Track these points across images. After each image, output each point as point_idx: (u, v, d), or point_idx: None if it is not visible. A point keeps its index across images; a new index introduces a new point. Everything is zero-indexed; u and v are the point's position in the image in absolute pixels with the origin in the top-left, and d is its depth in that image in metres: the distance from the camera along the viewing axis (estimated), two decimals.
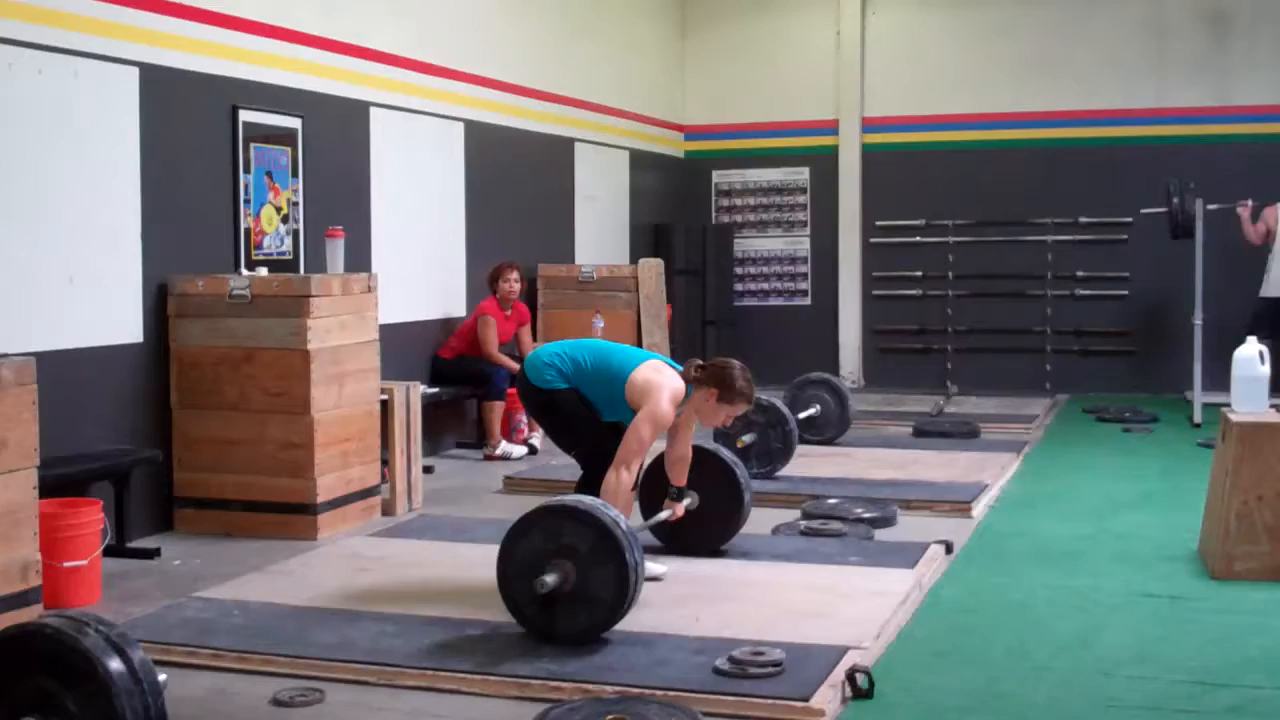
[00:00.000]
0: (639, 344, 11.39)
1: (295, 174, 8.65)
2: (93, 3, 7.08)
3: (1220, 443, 6.70)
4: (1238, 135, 13.38)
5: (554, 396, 6.13)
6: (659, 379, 5.94)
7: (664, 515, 6.38)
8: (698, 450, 6.59)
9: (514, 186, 11.43)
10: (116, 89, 7.25)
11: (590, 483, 6.02)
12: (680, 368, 6.09)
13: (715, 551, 6.73)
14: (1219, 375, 11.13)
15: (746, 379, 6.02)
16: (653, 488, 6.57)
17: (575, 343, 6.34)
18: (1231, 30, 13.59)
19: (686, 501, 6.43)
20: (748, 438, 8.66)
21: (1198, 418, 11.30)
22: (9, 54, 6.57)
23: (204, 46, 7.86)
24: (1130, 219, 13.15)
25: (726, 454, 6.90)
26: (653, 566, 6.18)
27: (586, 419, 6.13)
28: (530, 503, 6.82)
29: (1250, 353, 7.49)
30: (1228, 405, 7.09)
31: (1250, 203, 11.94)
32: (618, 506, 5.54)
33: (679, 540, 6.63)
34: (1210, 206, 11.58)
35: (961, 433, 10.81)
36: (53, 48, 6.82)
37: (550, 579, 5.12)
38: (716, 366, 6.03)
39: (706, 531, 6.71)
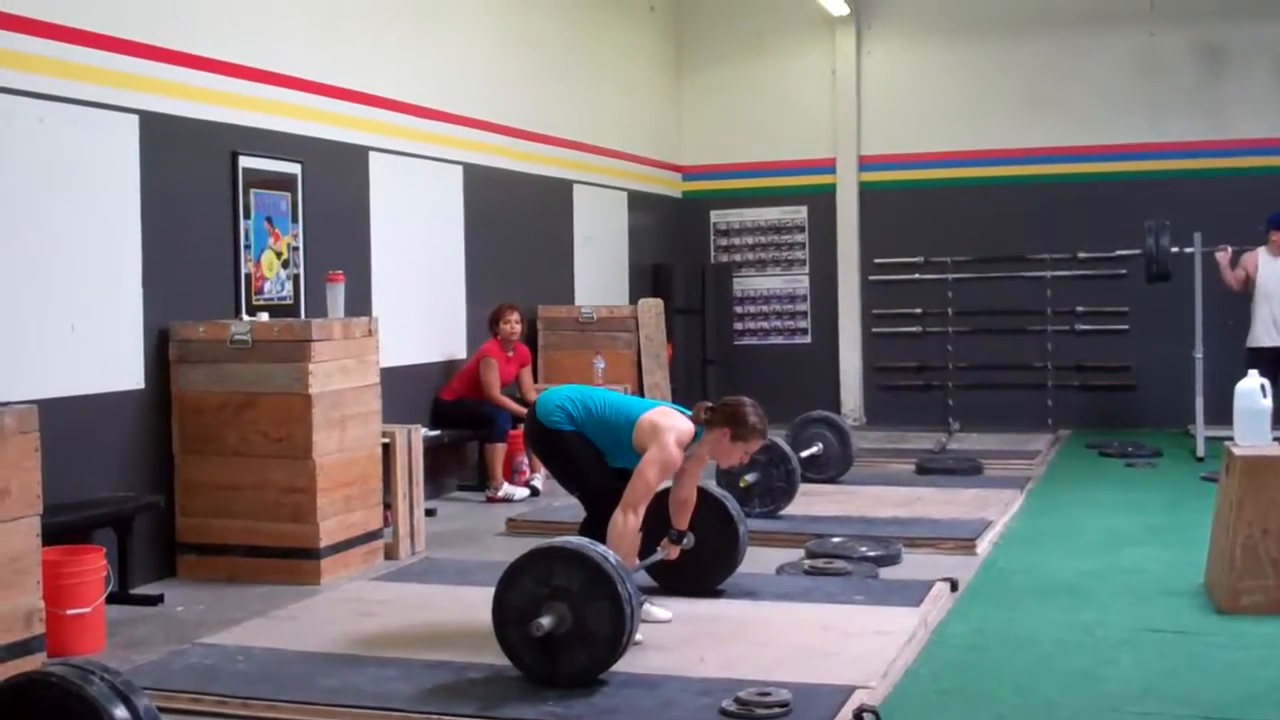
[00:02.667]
0: (640, 383, 11.42)
1: (295, 219, 8.67)
2: (93, 51, 7.12)
3: (1224, 476, 6.69)
4: (1235, 169, 13.42)
5: (561, 438, 6.12)
6: (666, 422, 5.94)
7: (659, 556, 6.34)
8: (710, 498, 6.64)
9: (513, 229, 11.46)
10: (117, 136, 7.28)
11: (594, 525, 6.00)
12: (688, 412, 6.07)
13: (717, 592, 6.70)
14: (1221, 409, 11.21)
15: (759, 414, 6.02)
16: (651, 528, 6.53)
17: (586, 389, 6.35)
18: (1226, 64, 13.65)
19: (683, 543, 6.39)
20: (750, 477, 8.65)
21: (1201, 451, 11.29)
22: (9, 103, 6.60)
23: (203, 94, 7.89)
24: (1129, 252, 13.13)
25: (717, 490, 6.88)
26: (657, 612, 6.17)
27: (592, 460, 6.12)
28: (533, 545, 6.82)
29: (1252, 386, 7.48)
30: (1230, 439, 7.08)
31: (1229, 249, 11.83)
32: (623, 549, 5.54)
33: (677, 581, 6.58)
34: (1187, 250, 11.52)
35: (964, 469, 10.79)
36: (53, 96, 6.86)
37: (545, 621, 5.09)
38: (728, 406, 6.02)
39: (704, 570, 6.67)
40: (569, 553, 5.21)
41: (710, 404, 6.07)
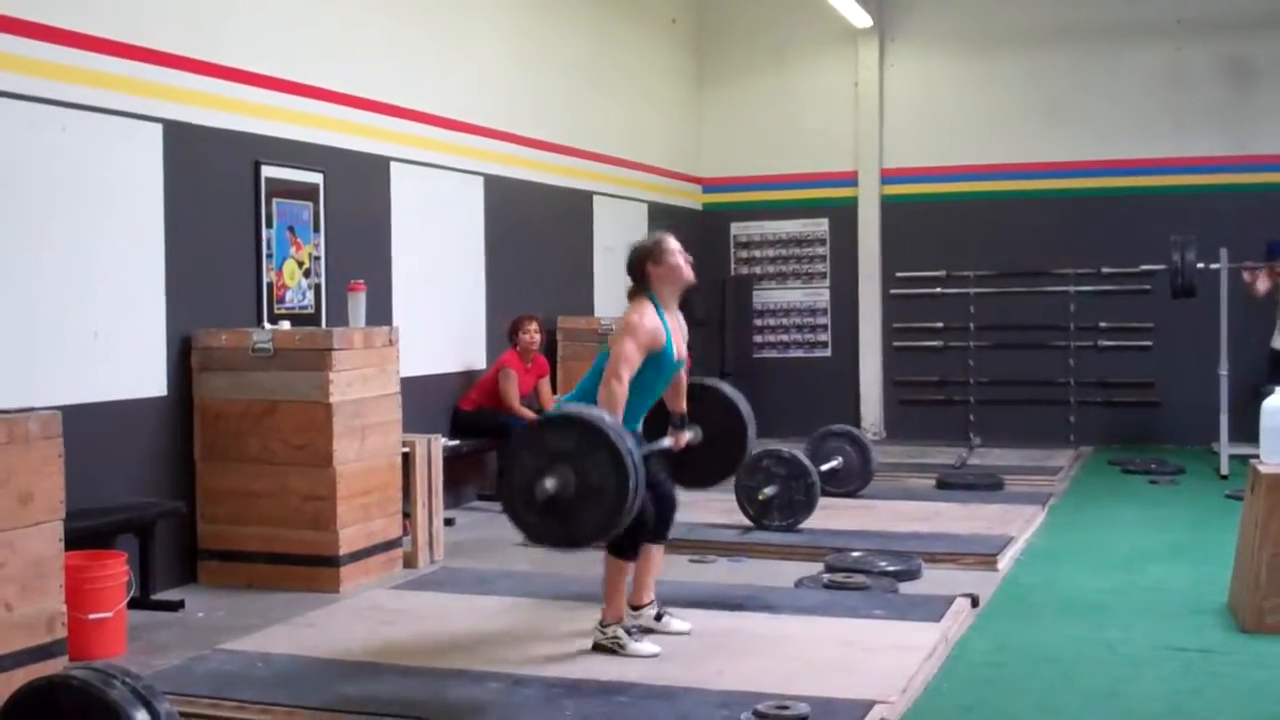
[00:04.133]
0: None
1: (317, 228, 8.69)
2: (117, 60, 7.15)
3: (1249, 494, 6.65)
4: (1261, 184, 13.34)
5: None
6: (618, 338, 5.91)
7: (666, 443, 6.26)
8: (698, 386, 6.65)
9: (533, 240, 11.46)
10: (140, 145, 7.31)
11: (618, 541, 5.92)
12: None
13: (736, 605, 6.69)
14: (1246, 426, 11.16)
15: (651, 238, 6.22)
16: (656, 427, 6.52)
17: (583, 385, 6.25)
18: (1253, 79, 13.58)
19: (689, 435, 6.36)
20: (769, 490, 8.64)
21: (1225, 469, 11.23)
22: (34, 111, 6.63)
23: (227, 103, 7.92)
24: (1154, 267, 13.07)
25: (728, 388, 6.87)
26: (675, 623, 6.20)
27: None
28: (551, 555, 6.83)
29: (1279, 403, 7.43)
30: (1255, 456, 7.04)
31: (1259, 270, 11.87)
32: (616, 411, 5.62)
33: (684, 474, 6.51)
34: (1213, 266, 11.47)
35: (985, 485, 10.75)
36: (77, 105, 6.89)
37: (549, 483, 5.11)
38: (631, 257, 6.20)
39: (709, 465, 6.65)
40: (559, 419, 5.34)
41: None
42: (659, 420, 6.37)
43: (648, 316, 5.89)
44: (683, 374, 6.31)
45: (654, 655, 5.71)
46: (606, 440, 5.14)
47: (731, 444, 6.71)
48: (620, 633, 5.77)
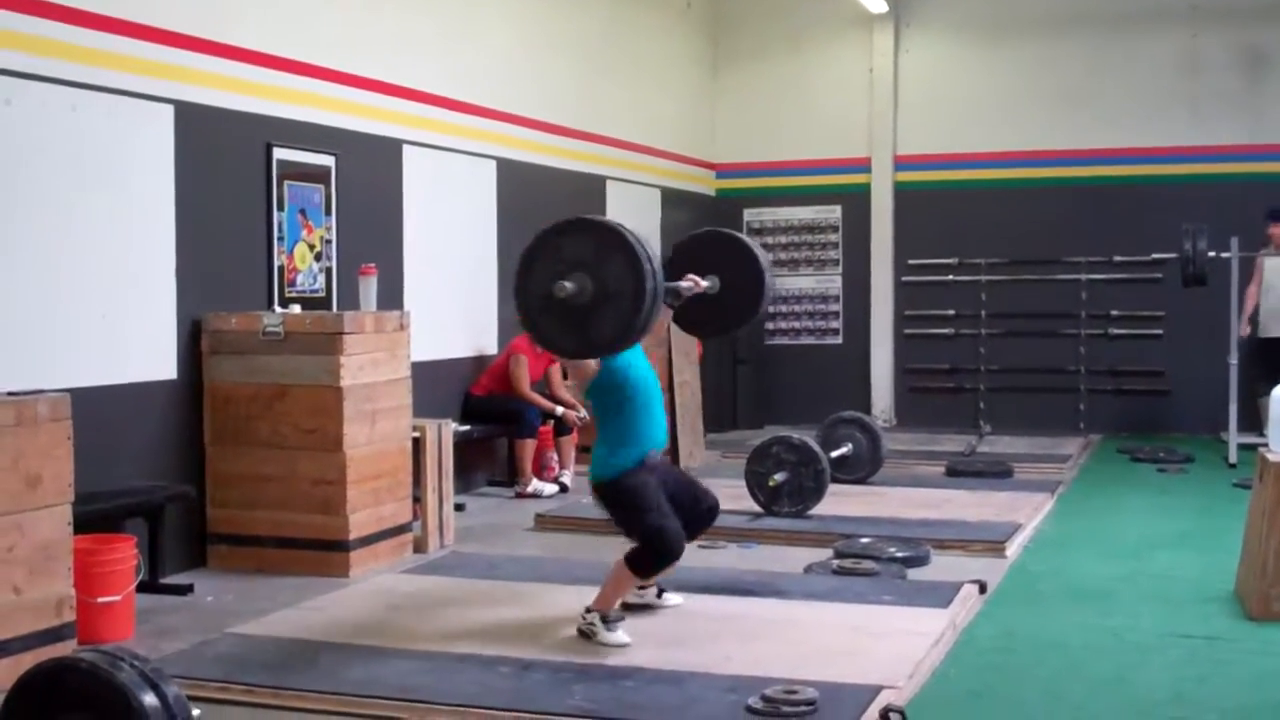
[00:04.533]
0: (670, 380, 11.37)
1: (329, 211, 8.70)
2: (129, 41, 7.15)
3: (1258, 483, 6.64)
4: (1273, 174, 13.29)
5: (614, 484, 5.99)
6: None
7: (684, 284, 6.39)
8: (725, 235, 6.91)
9: (546, 224, 11.42)
10: (151, 127, 7.31)
11: (643, 553, 5.88)
12: None
13: (746, 590, 6.70)
14: (1255, 415, 11.14)
15: None
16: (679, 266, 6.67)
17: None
18: (1267, 68, 13.53)
19: (706, 283, 6.48)
20: (779, 476, 8.65)
21: (1233, 458, 11.21)
22: (44, 91, 6.64)
23: (239, 85, 7.92)
24: (1165, 256, 13.03)
25: (751, 243, 6.96)
26: (671, 598, 6.32)
27: (643, 500, 5.91)
28: (561, 540, 6.86)
29: None
30: (1264, 445, 7.03)
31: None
32: None
33: (699, 320, 6.75)
34: (1224, 255, 11.42)
35: (995, 472, 10.75)
36: (89, 85, 6.89)
37: (570, 284, 5.20)
38: None
39: (720, 316, 6.76)
40: (571, 224, 5.40)
41: None
42: (684, 267, 6.53)
43: None
44: None
45: (625, 645, 5.70)
46: (624, 243, 5.23)
47: (744, 300, 6.78)
48: (597, 620, 5.78)
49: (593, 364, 5.93)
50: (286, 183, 8.31)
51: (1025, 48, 14.32)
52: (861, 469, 10.19)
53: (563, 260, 5.30)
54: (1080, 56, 14.11)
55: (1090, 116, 14.03)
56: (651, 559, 5.83)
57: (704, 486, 6.41)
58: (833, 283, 15.12)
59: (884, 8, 14.33)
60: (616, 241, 5.28)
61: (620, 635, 5.74)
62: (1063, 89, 14.14)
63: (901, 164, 14.72)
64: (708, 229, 7.17)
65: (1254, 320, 12.23)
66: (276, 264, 8.22)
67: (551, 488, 10.16)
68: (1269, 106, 13.52)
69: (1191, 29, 13.73)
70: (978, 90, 14.47)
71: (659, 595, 6.32)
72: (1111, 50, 14.00)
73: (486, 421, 10.07)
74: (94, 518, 6.33)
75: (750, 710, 4.75)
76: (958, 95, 14.53)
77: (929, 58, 14.69)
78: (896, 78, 14.72)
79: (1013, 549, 7.94)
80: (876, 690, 4.97)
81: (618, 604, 5.91)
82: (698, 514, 6.19)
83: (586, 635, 5.76)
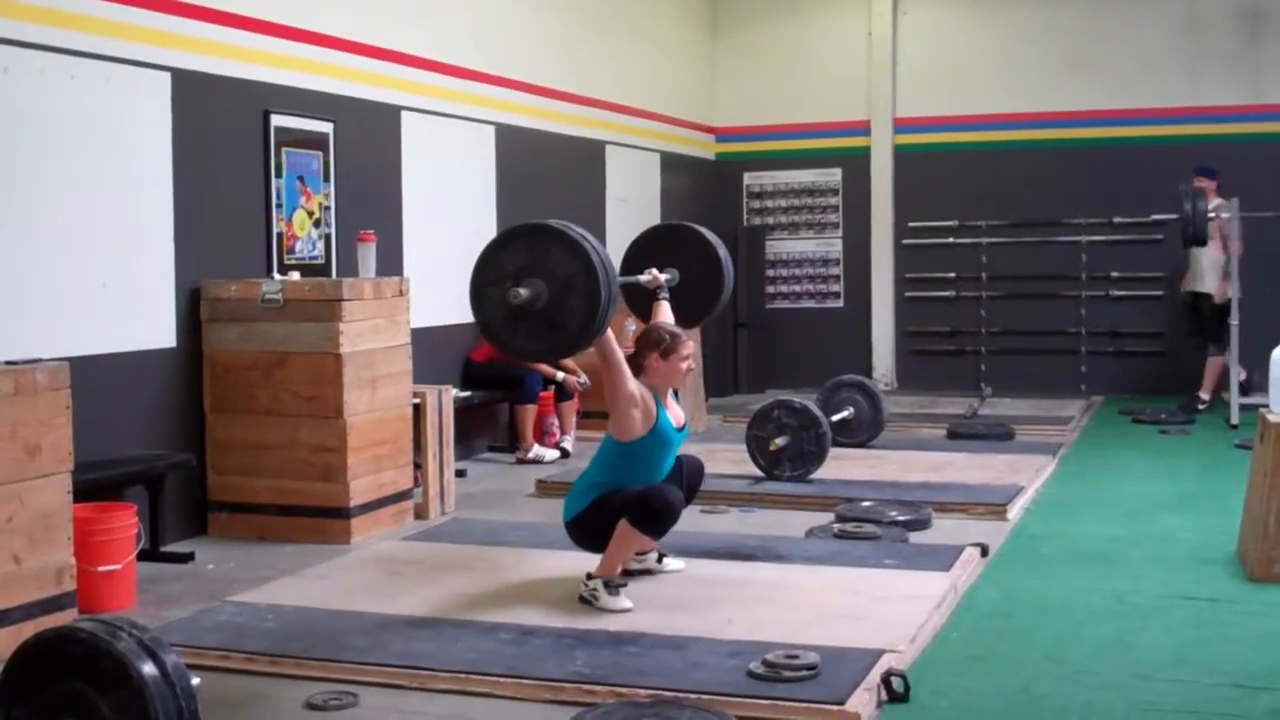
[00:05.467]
0: None
1: (327, 178, 8.67)
2: (125, 9, 7.11)
3: (1259, 444, 6.63)
4: (1273, 134, 13.27)
5: (587, 517, 5.98)
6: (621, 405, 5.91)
7: (642, 278, 6.54)
8: (683, 227, 7.04)
9: (545, 189, 11.42)
10: (149, 94, 7.28)
11: (641, 511, 5.83)
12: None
13: (748, 555, 6.71)
14: (1257, 376, 11.13)
15: (665, 328, 6.11)
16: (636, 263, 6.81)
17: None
18: (1266, 28, 13.48)
19: (666, 277, 6.60)
20: (780, 441, 8.64)
21: (1235, 419, 11.21)
22: (42, 59, 6.60)
23: (236, 51, 7.88)
24: (1166, 217, 13.00)
25: (710, 235, 7.01)
26: (672, 563, 6.34)
27: (612, 505, 5.89)
28: (562, 506, 6.81)
29: None
30: (1265, 406, 7.01)
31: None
32: None
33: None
34: (1225, 215, 11.44)
35: (996, 435, 10.75)
36: (85, 53, 6.85)
37: (524, 292, 5.26)
38: (640, 338, 6.09)
39: (689, 304, 6.81)
40: (570, 240, 5.37)
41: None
42: (641, 264, 6.69)
43: (639, 385, 5.92)
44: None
45: (626, 610, 5.69)
46: (553, 234, 5.35)
47: (706, 293, 6.89)
48: (599, 586, 5.77)
49: (639, 421, 5.86)
50: (284, 149, 8.27)
51: (1023, 9, 14.27)
52: (863, 432, 10.18)
53: (507, 275, 5.35)
54: (1079, 18, 14.06)
55: (1089, 78, 13.99)
56: (651, 515, 5.78)
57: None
58: (833, 246, 15.10)
59: None
60: (547, 234, 5.37)
61: (622, 601, 5.74)
62: (1061, 51, 14.09)
63: (901, 127, 14.67)
64: (660, 224, 7.28)
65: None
66: (275, 231, 8.20)
67: (553, 453, 10.16)
68: (1268, 67, 13.48)
69: None
70: (976, 53, 14.42)
71: (659, 560, 6.32)
72: (1110, 11, 13.95)
73: (487, 387, 10.06)
74: (94, 486, 6.34)
75: (752, 675, 4.75)
76: (956, 58, 14.48)
77: (927, 20, 14.63)
78: (895, 40, 14.66)
79: (1014, 511, 7.94)
80: (878, 654, 4.97)
81: (619, 570, 5.90)
82: (684, 471, 6.20)
83: (588, 601, 5.76)
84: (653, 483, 5.92)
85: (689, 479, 6.26)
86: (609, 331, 5.61)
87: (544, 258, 5.34)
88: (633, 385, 5.85)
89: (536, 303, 5.31)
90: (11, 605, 5.35)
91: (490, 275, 5.45)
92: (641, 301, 6.75)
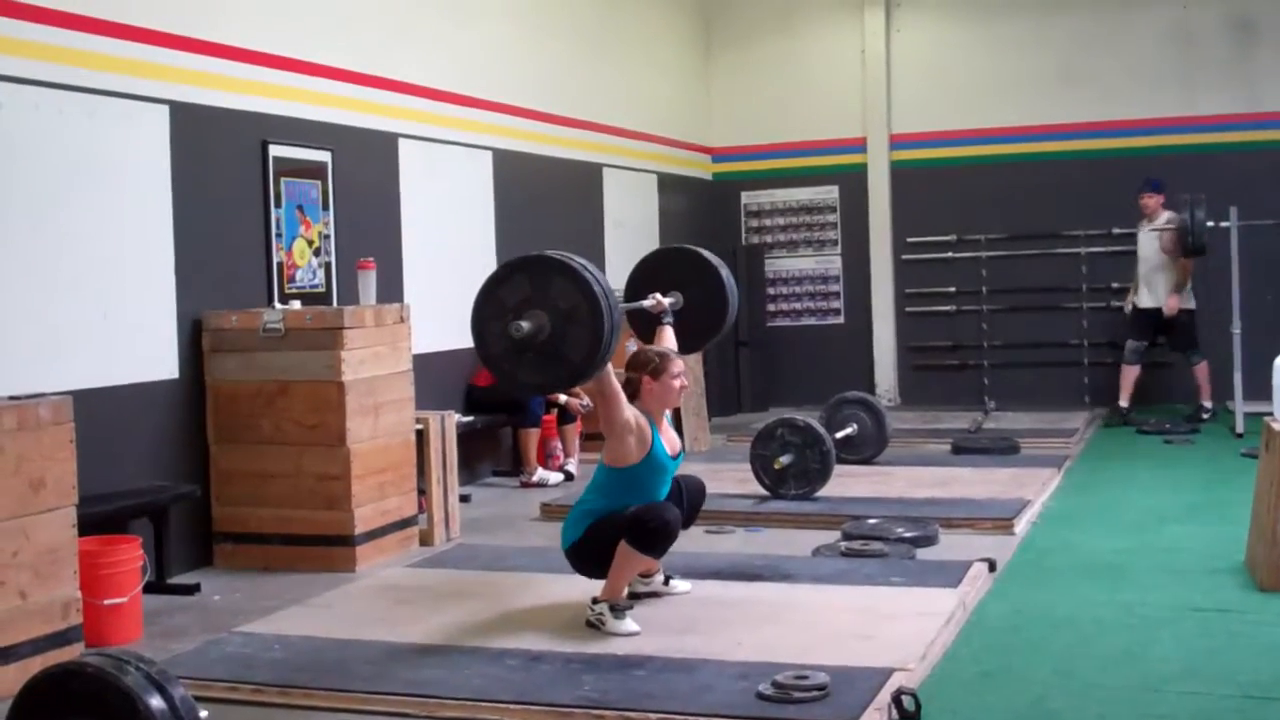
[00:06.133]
0: None
1: (326, 207, 8.67)
2: (122, 43, 7.12)
3: (1264, 453, 6.62)
4: (1270, 142, 13.29)
5: (582, 542, 5.95)
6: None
7: (646, 303, 6.51)
8: (687, 249, 7.04)
9: (543, 213, 11.43)
10: (147, 127, 7.29)
11: (640, 531, 5.82)
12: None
13: (754, 575, 6.69)
14: (1260, 384, 11.13)
15: (651, 350, 6.11)
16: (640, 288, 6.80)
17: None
18: (1258, 37, 13.52)
19: (670, 301, 6.59)
20: (785, 459, 8.63)
21: (1240, 428, 11.20)
22: (39, 95, 6.62)
23: (233, 83, 7.89)
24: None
25: (714, 259, 6.99)
26: (679, 584, 6.31)
27: (611, 529, 5.86)
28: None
29: None
30: (1269, 414, 7.01)
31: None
32: None
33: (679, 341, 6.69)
34: (1223, 224, 11.44)
35: (1001, 448, 10.73)
36: (84, 88, 6.87)
37: (526, 325, 5.24)
38: (631, 360, 6.07)
39: (693, 328, 6.79)
40: (573, 271, 5.38)
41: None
42: (645, 288, 6.68)
43: (635, 411, 5.88)
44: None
45: (633, 634, 5.67)
46: (555, 265, 5.36)
47: (711, 316, 6.87)
48: (605, 610, 5.76)
49: (634, 447, 5.83)
50: (283, 179, 8.28)
51: (1016, 24, 14.30)
52: (867, 449, 10.17)
53: (508, 310, 5.34)
54: (1071, 31, 14.10)
55: (1083, 90, 14.01)
56: (648, 535, 5.77)
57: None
58: (832, 263, 15.10)
59: None
60: (547, 265, 5.37)
61: (629, 624, 5.72)
62: (1055, 64, 14.12)
63: (897, 143, 14.69)
64: (663, 247, 7.27)
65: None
66: (275, 260, 8.20)
67: (556, 476, 10.15)
68: (1261, 75, 13.51)
69: (1182, 1, 13.70)
70: (970, 67, 14.45)
71: (666, 582, 6.30)
72: (1102, 24, 13.99)
73: (490, 412, 10.06)
74: (99, 519, 6.32)
75: (761, 697, 4.73)
76: (951, 73, 14.51)
77: (920, 36, 14.66)
78: (889, 57, 14.69)
79: (1021, 525, 7.93)
80: (888, 673, 4.95)
81: (625, 592, 5.89)
82: (684, 491, 6.16)
83: (595, 626, 5.74)
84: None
85: (690, 499, 6.23)
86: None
87: (546, 290, 5.33)
88: (628, 413, 5.83)
89: (539, 335, 5.28)
90: (18, 641, 5.33)
91: (491, 309, 5.44)
92: (646, 326, 6.74)
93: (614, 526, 5.81)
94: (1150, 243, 12.31)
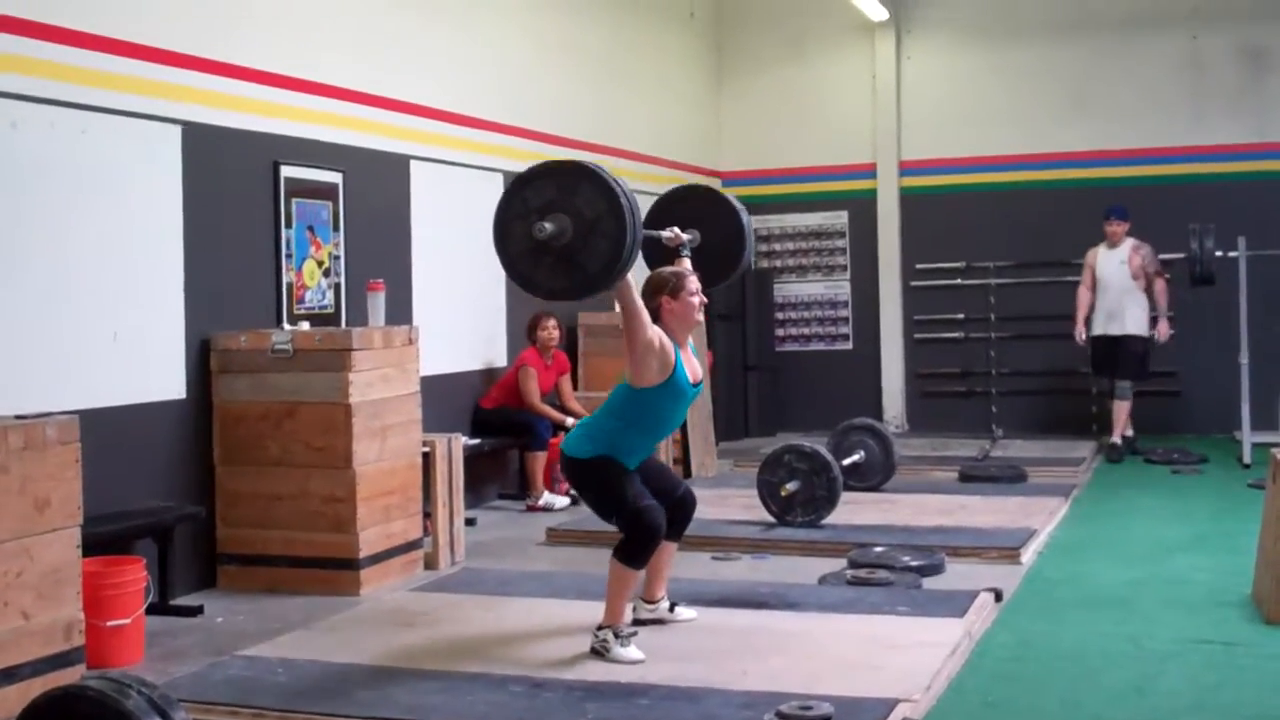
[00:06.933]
0: None
1: (336, 228, 8.68)
2: (136, 63, 7.14)
3: (1271, 484, 6.60)
4: (1278, 171, 13.27)
5: (587, 465, 5.96)
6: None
7: (665, 234, 6.48)
8: (699, 190, 7.11)
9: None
10: (159, 147, 7.31)
11: (627, 544, 5.86)
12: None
13: (760, 603, 6.67)
14: (1268, 414, 11.12)
15: (664, 271, 6.09)
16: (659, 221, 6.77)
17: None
18: (1268, 66, 13.52)
19: (688, 237, 6.56)
20: (792, 486, 8.61)
21: (1247, 458, 11.17)
22: (53, 113, 6.63)
23: (245, 104, 7.91)
24: (1173, 256, 12.96)
25: (735, 201, 7.01)
26: (684, 612, 6.27)
27: (619, 482, 5.88)
28: (573, 554, 6.80)
29: None
30: (1277, 445, 6.99)
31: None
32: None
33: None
34: (1231, 254, 11.42)
35: (1008, 477, 10.70)
36: (97, 107, 6.89)
37: (550, 226, 5.23)
38: (648, 282, 6.03)
39: (708, 267, 6.73)
40: (601, 181, 5.36)
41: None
42: (664, 221, 6.65)
43: (659, 332, 5.84)
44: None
45: (638, 661, 5.65)
46: (584, 172, 5.33)
47: (725, 258, 6.88)
48: (609, 636, 5.74)
49: (656, 370, 5.80)
50: (294, 200, 8.30)
51: (1026, 52, 14.31)
52: (874, 476, 10.15)
53: (533, 210, 5.35)
54: (1081, 59, 14.11)
55: (1093, 118, 14.02)
56: (638, 546, 5.77)
57: (673, 473, 6.36)
58: (841, 288, 15.10)
59: (885, 15, 14.34)
60: (576, 172, 5.37)
61: (633, 651, 5.70)
62: (1064, 92, 14.14)
63: (906, 169, 14.70)
64: (683, 185, 7.24)
65: (1086, 321, 12.43)
66: (285, 281, 8.21)
67: (563, 500, 10.13)
68: (1271, 105, 13.51)
69: (1191, 30, 13.72)
70: (980, 95, 14.47)
71: (671, 609, 6.28)
72: (1112, 53, 13.99)
73: (497, 434, 10.05)
74: (103, 539, 6.32)
75: None
76: (960, 100, 14.53)
77: (931, 64, 14.68)
78: (899, 84, 14.71)
79: (1028, 555, 7.90)
80: (893, 704, 4.93)
81: (628, 616, 5.87)
82: (676, 501, 6.09)
83: (600, 653, 5.72)
84: (658, 438, 6.00)
85: (685, 511, 6.19)
86: (629, 278, 5.58)
87: (572, 196, 5.31)
88: (652, 332, 5.77)
89: (560, 239, 5.28)
90: (20, 662, 5.30)
91: (516, 209, 5.44)
92: (661, 259, 6.66)
93: (617, 479, 5.83)
94: (1117, 269, 12.15)
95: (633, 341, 5.77)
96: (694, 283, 6.02)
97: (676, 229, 6.56)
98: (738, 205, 6.98)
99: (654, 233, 6.47)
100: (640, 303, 5.73)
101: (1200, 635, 6.12)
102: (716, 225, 6.84)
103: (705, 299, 6.11)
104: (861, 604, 6.64)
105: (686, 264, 6.51)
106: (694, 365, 6.06)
